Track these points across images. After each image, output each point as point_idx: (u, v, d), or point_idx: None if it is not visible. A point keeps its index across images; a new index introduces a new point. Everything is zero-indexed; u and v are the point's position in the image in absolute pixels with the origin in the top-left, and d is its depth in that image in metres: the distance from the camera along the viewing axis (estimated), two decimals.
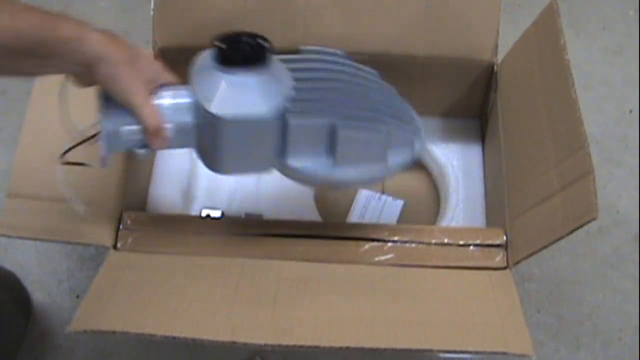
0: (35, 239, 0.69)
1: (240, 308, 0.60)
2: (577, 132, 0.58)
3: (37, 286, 0.92)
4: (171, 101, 0.52)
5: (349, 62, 0.61)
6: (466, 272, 0.65)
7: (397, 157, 0.61)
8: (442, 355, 0.57)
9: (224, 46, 0.51)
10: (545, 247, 0.59)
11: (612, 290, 0.91)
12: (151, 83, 0.51)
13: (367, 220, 0.85)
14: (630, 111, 1.06)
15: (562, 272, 0.92)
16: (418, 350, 0.56)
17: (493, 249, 0.67)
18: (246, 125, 0.52)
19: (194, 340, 0.56)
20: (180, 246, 0.69)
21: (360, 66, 0.62)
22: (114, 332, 0.57)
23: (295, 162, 0.56)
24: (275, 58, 0.54)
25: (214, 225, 0.71)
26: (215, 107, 0.50)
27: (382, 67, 0.64)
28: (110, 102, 0.50)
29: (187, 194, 0.83)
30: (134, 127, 0.51)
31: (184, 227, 0.70)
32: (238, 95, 0.51)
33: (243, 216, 0.79)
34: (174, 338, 0.56)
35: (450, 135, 0.86)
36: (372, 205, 0.85)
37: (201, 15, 0.75)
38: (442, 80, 0.81)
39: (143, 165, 0.82)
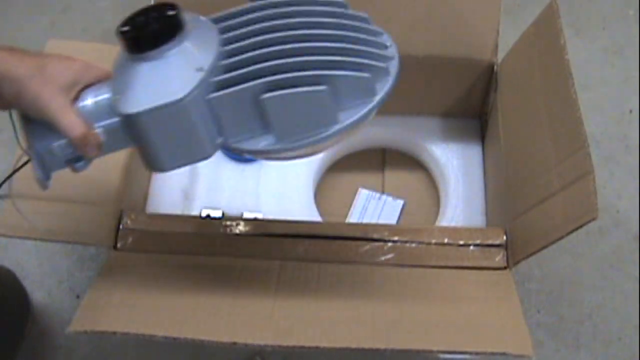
0: (35, 239, 0.69)
1: (240, 308, 0.60)
2: (577, 132, 0.58)
3: (37, 286, 0.92)
4: (93, 101, 0.47)
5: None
6: (466, 272, 0.65)
7: (351, 108, 0.49)
8: (441, 355, 0.57)
9: (127, 28, 0.45)
10: (545, 247, 0.59)
11: (612, 290, 0.91)
12: (73, 87, 0.46)
13: (367, 220, 0.85)
14: (630, 111, 1.05)
15: (563, 272, 0.92)
16: (418, 351, 0.56)
17: (493, 249, 0.67)
18: (166, 114, 0.45)
19: (194, 340, 0.56)
20: (181, 246, 0.69)
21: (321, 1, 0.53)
22: (114, 333, 0.57)
23: (236, 141, 0.48)
24: (202, 21, 0.49)
25: (214, 225, 0.71)
26: (127, 105, 0.45)
27: None
28: (33, 120, 0.46)
29: (187, 194, 0.83)
30: (63, 141, 0.46)
31: (184, 227, 0.70)
32: (150, 84, 0.45)
33: (243, 216, 0.79)
34: (174, 338, 0.56)
35: (450, 135, 0.86)
36: (372, 205, 0.85)
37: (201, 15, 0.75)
38: (442, 80, 0.81)
39: (143, 165, 0.82)
